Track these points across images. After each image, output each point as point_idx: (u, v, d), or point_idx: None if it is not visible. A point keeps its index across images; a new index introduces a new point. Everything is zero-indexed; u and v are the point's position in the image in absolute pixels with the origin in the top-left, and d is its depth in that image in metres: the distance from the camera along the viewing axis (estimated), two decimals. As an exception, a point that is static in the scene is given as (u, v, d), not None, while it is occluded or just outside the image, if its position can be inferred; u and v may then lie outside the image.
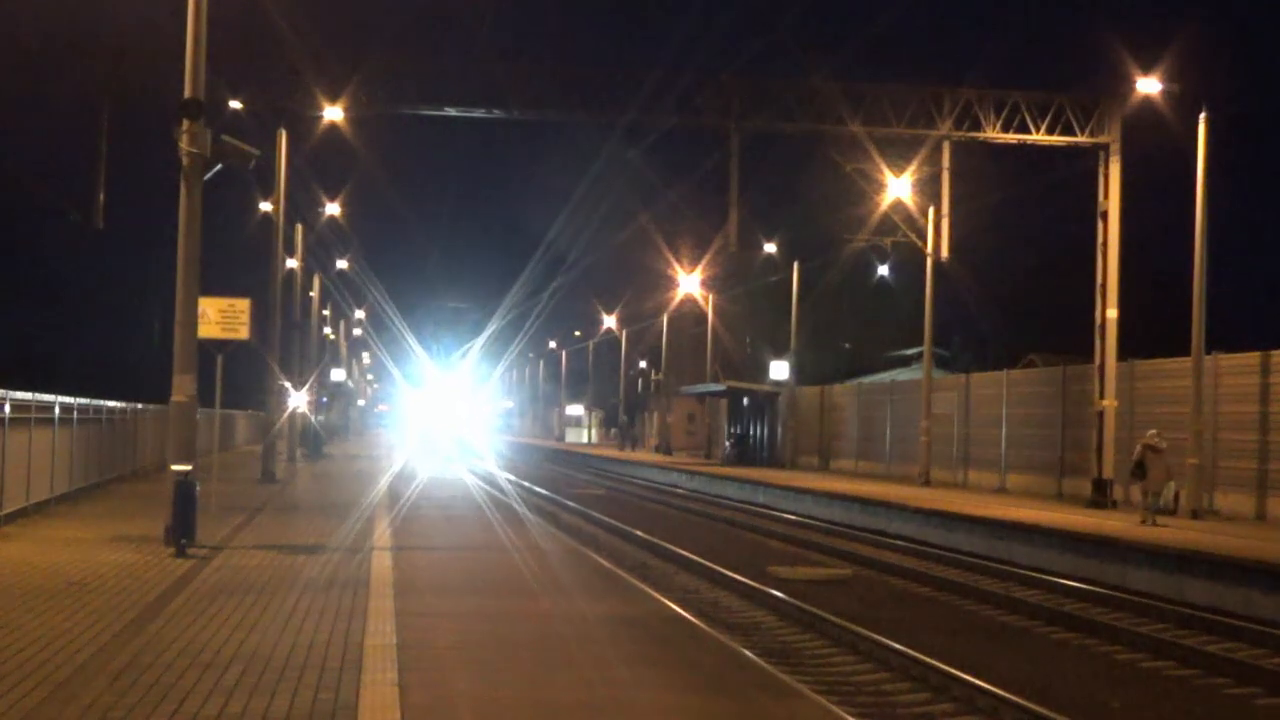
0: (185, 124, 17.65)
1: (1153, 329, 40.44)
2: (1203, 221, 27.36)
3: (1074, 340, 40.79)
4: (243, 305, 21.10)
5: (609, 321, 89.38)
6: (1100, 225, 32.69)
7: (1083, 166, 33.65)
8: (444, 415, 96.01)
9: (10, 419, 19.05)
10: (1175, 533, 22.98)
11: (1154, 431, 26.49)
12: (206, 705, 8.34)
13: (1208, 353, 27.75)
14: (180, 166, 17.78)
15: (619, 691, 9.22)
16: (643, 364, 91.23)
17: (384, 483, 34.00)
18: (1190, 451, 27.10)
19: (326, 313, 73.68)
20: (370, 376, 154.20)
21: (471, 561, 16.86)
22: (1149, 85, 29.17)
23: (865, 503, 32.71)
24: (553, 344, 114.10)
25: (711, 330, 65.76)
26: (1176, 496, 27.43)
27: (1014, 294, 66.96)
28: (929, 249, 38.24)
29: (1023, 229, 62.49)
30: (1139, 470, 25.53)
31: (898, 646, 14.41)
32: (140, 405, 32.87)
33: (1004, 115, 32.56)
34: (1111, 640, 16.20)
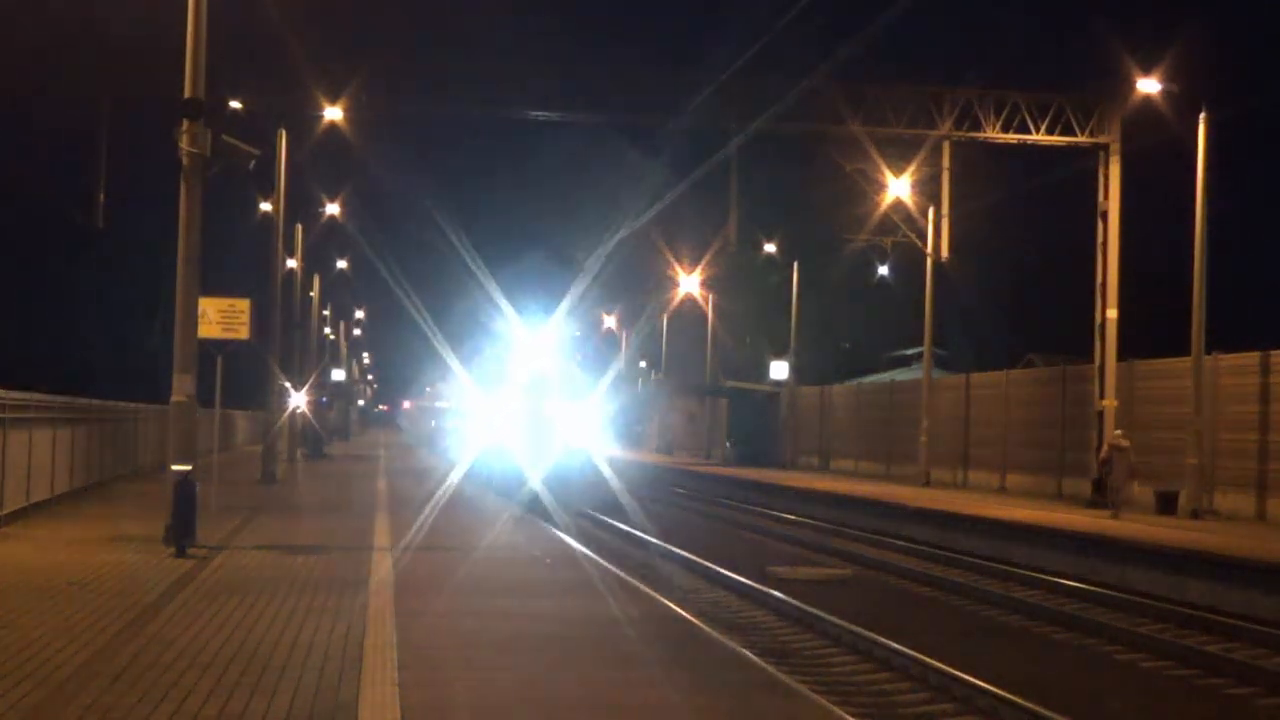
0: (185, 124, 17.66)
1: (1153, 329, 40.46)
2: (1202, 221, 27.37)
3: (1074, 340, 40.80)
4: (243, 305, 21.10)
5: (608, 321, 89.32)
6: (1100, 225, 32.72)
7: (1083, 166, 33.68)
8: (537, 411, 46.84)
9: (10, 419, 19.05)
10: (1178, 533, 23.01)
11: (1119, 431, 28.03)
12: (207, 705, 8.35)
13: (1208, 353, 27.77)
14: (180, 166, 17.79)
15: (618, 691, 9.22)
16: (642, 364, 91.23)
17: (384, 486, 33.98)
18: (1190, 451, 27.14)
19: (327, 312, 73.70)
20: (370, 377, 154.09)
21: (470, 559, 16.85)
22: (1149, 85, 29.18)
23: (865, 503, 32.71)
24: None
25: (711, 330, 65.76)
26: (1177, 499, 27.53)
27: (1014, 294, 66.90)
28: (929, 249, 38.24)
29: (1023, 229, 62.41)
30: (1106, 468, 27.14)
31: (897, 646, 14.40)
32: (140, 405, 32.89)
33: (1004, 115, 32.60)
34: (1111, 640, 16.21)
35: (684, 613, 13.29)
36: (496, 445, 34.99)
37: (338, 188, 50.99)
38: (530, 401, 35.10)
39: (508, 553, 18.04)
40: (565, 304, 38.05)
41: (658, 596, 14.26)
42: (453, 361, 45.50)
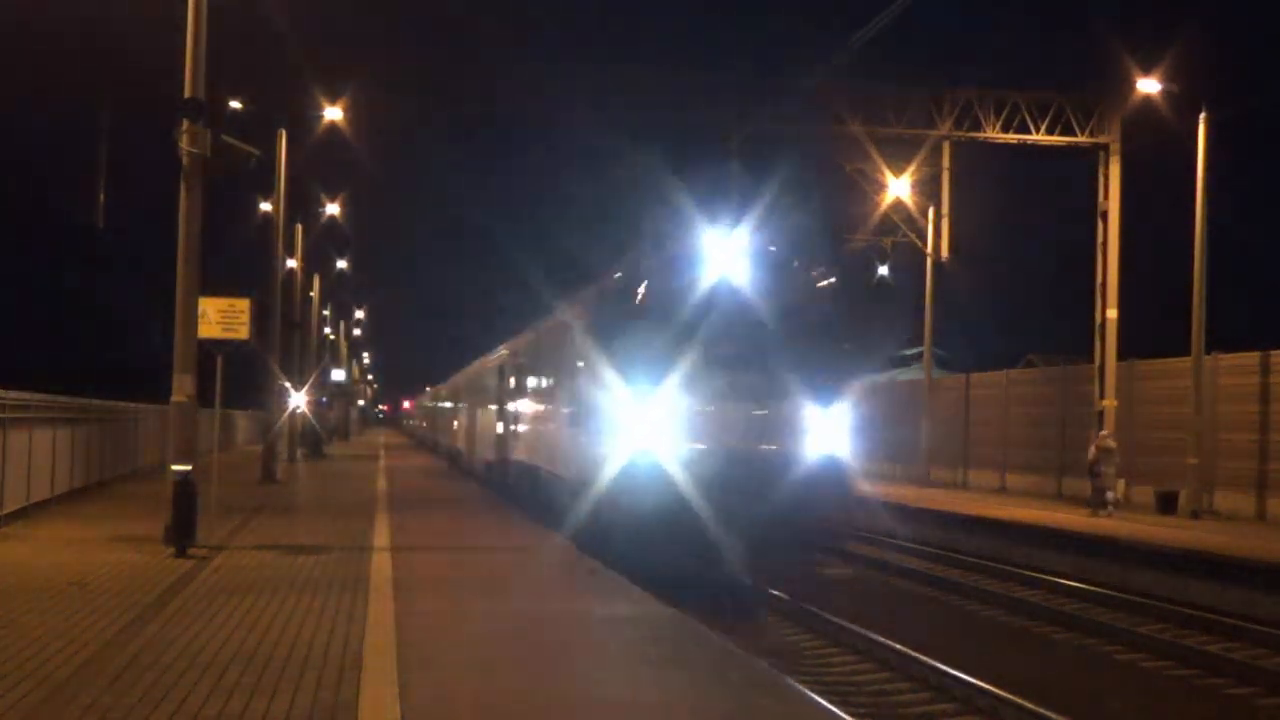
0: (185, 124, 17.67)
1: (1153, 329, 40.48)
2: (1202, 221, 27.37)
3: (1074, 340, 40.81)
4: (243, 305, 21.05)
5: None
6: (1100, 225, 32.69)
7: (1083, 166, 33.68)
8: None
9: (10, 419, 19.06)
10: (1178, 533, 23.01)
11: (1105, 432, 28.57)
12: (207, 705, 8.34)
13: (1208, 353, 27.77)
14: (180, 166, 17.80)
15: (617, 690, 9.22)
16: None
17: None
18: (1190, 451, 27.14)
19: (327, 313, 73.71)
20: (370, 377, 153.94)
21: (469, 561, 16.85)
22: (1149, 85, 29.16)
23: (864, 503, 32.68)
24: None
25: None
26: (1177, 499, 27.55)
27: (1014, 294, 66.95)
28: (929, 249, 38.23)
29: (1022, 229, 62.50)
30: (1095, 469, 27.44)
31: (898, 646, 14.41)
32: (140, 405, 32.88)
33: (1004, 115, 32.58)
34: (1111, 640, 16.21)
35: (682, 612, 13.28)
36: (643, 465, 17.32)
37: (354, 174, 50.93)
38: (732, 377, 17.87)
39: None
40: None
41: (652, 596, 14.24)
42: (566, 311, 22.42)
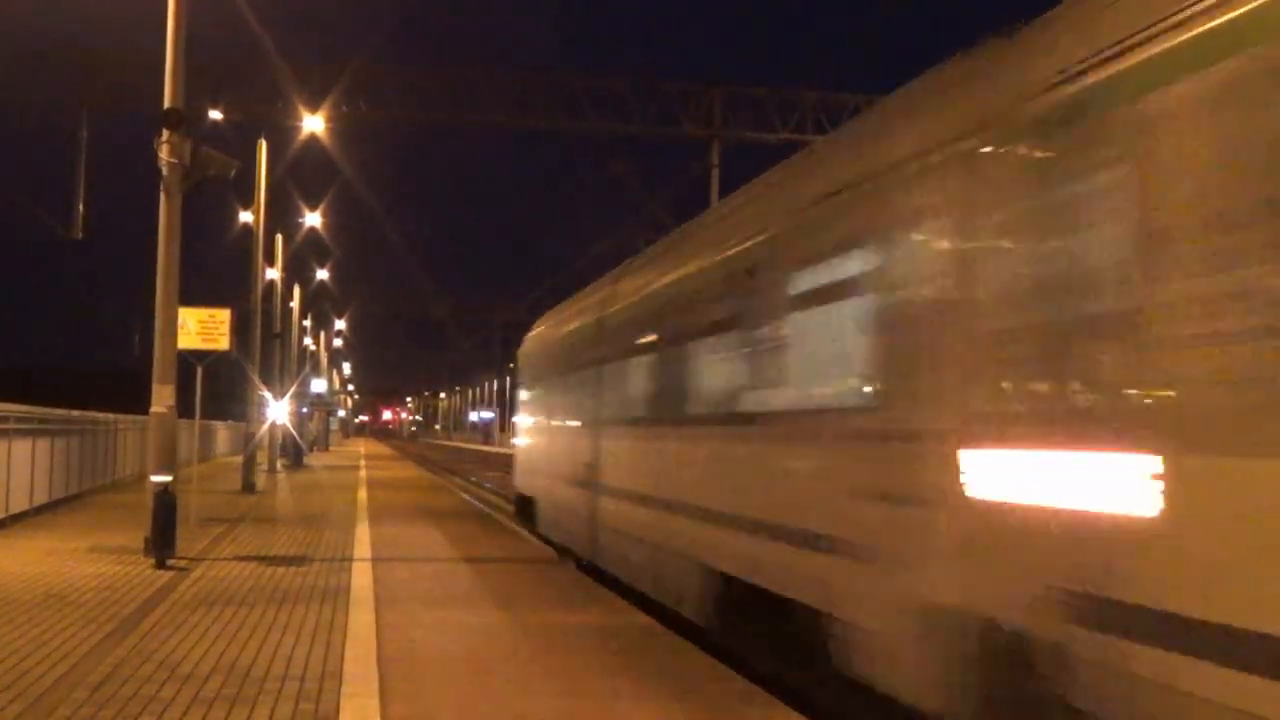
0: (165, 134, 17.65)
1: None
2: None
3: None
4: (223, 316, 21.06)
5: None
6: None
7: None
8: None
9: (-11, 430, 19.01)
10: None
11: None
12: (186, 717, 8.31)
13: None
14: (160, 176, 17.78)
15: (600, 702, 9.22)
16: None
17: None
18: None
19: (307, 323, 73.60)
20: (351, 387, 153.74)
21: (452, 572, 16.84)
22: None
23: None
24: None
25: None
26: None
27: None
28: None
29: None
30: None
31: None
32: (120, 416, 32.80)
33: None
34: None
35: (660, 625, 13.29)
36: None
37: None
38: None
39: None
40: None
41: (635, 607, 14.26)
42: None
